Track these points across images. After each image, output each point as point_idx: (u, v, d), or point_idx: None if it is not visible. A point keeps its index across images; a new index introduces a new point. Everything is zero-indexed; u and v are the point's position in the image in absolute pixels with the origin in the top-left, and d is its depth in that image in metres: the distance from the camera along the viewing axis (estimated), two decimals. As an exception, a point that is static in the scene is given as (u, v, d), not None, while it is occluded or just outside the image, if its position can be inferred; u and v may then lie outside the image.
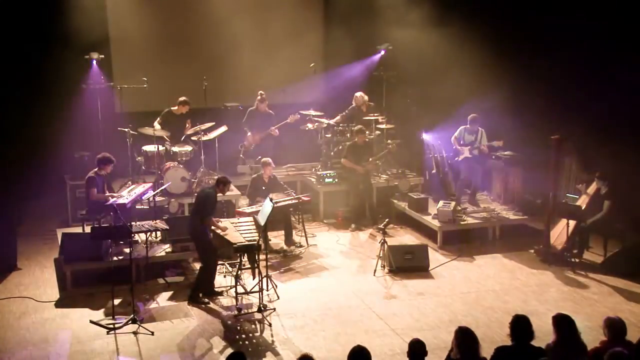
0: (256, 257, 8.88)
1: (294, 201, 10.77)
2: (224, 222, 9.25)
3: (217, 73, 12.93)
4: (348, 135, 12.50)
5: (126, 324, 8.19)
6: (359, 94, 12.76)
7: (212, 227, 9.01)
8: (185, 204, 11.09)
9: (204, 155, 11.71)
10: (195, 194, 9.83)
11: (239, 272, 8.99)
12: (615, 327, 5.96)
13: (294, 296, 9.15)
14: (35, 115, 11.65)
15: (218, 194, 9.16)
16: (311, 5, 14.17)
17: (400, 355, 7.37)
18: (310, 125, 12.69)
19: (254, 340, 8.00)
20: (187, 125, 11.80)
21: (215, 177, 9.85)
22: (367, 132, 12.10)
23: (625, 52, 11.00)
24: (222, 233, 8.94)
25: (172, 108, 11.81)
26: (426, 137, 12.41)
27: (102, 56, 12.02)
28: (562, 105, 11.66)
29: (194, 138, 11.79)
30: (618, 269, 9.69)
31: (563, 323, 5.87)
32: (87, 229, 9.77)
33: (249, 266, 9.28)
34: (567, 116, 11.32)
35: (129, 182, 10.71)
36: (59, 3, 11.80)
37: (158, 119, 11.61)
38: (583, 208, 10.08)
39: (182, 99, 11.75)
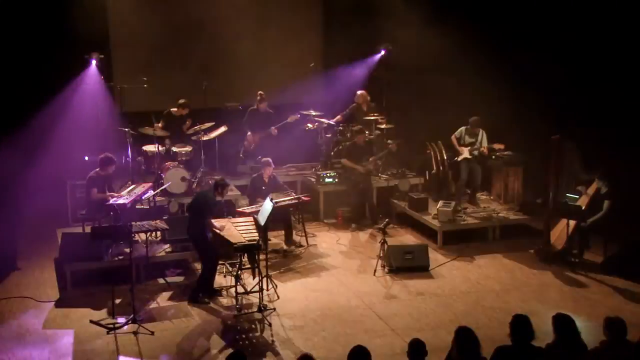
0: (256, 257, 8.90)
1: (294, 201, 10.76)
2: (223, 221, 9.24)
3: (217, 73, 12.93)
4: (348, 135, 12.50)
5: (126, 324, 8.20)
6: (360, 92, 12.76)
7: (212, 229, 9.00)
8: (185, 204, 11.08)
9: (204, 155, 11.72)
10: (195, 194, 9.84)
11: (239, 272, 9.00)
12: (615, 327, 5.96)
13: (294, 296, 9.15)
14: (35, 115, 11.64)
15: (217, 197, 9.16)
16: (311, 4, 14.16)
17: (400, 355, 7.36)
18: (310, 125, 12.69)
19: (254, 340, 8.00)
20: (187, 124, 11.82)
21: (216, 178, 9.84)
22: (367, 132, 12.11)
23: (626, 50, 11.01)
24: (221, 233, 8.94)
25: (172, 109, 11.83)
26: (426, 136, 12.44)
27: (102, 56, 12.03)
28: (563, 105, 11.67)
29: (193, 138, 11.79)
30: (618, 269, 9.69)
31: (563, 323, 5.87)
32: (87, 229, 9.79)
33: (249, 266, 9.29)
34: (568, 116, 11.32)
35: (129, 182, 10.70)
36: (60, 3, 11.79)
37: (160, 122, 11.66)
38: (583, 208, 10.08)
39: (181, 101, 11.78)
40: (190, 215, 9.25)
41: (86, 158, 11.36)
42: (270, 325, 8.28)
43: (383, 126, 12.62)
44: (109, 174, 10.07)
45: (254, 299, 8.75)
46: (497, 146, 11.53)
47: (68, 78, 11.85)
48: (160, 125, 11.67)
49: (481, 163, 11.79)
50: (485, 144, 11.56)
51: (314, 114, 12.68)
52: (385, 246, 9.96)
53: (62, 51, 11.66)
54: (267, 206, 9.06)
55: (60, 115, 11.74)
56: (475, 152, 11.59)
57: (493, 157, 11.91)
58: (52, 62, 11.64)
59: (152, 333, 8.06)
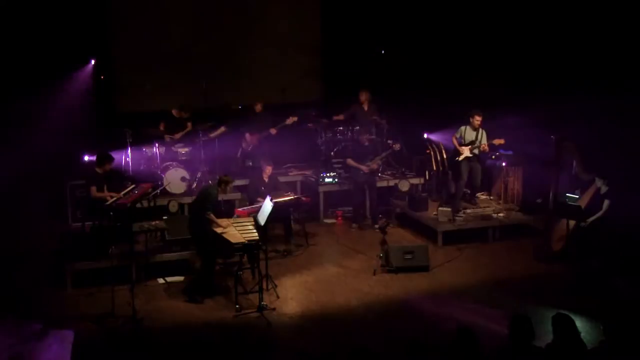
0: (256, 256, 8.89)
1: (293, 201, 10.74)
2: (224, 222, 9.23)
3: (217, 73, 12.91)
4: (348, 135, 12.50)
5: (126, 323, 8.19)
6: (362, 91, 12.72)
7: (213, 224, 8.99)
8: (185, 204, 11.09)
9: (204, 155, 11.72)
10: (198, 192, 9.84)
11: (239, 272, 8.99)
12: (614, 328, 5.95)
13: (294, 296, 9.14)
14: (35, 115, 11.64)
15: (220, 193, 9.18)
16: (310, 4, 14.15)
17: (400, 355, 7.35)
18: (310, 125, 12.68)
19: (253, 340, 8.00)
20: (188, 126, 11.82)
21: (217, 177, 9.85)
22: (369, 133, 12.11)
23: (626, 49, 11.00)
24: (221, 230, 8.94)
25: (172, 111, 11.82)
26: (427, 136, 12.43)
27: (102, 56, 12.02)
28: (563, 103, 11.65)
29: (194, 138, 11.79)
30: (618, 268, 9.68)
31: (563, 323, 5.87)
32: (87, 229, 9.79)
33: (248, 266, 9.29)
34: (568, 115, 11.29)
35: (129, 182, 10.69)
36: (60, 4, 11.78)
37: (161, 124, 11.68)
38: (583, 208, 10.07)
39: (181, 104, 11.77)
40: (193, 209, 9.23)
41: (86, 158, 11.34)
42: (269, 324, 8.28)
43: (383, 126, 12.62)
44: (107, 172, 10.03)
45: (254, 298, 8.75)
46: (497, 142, 11.51)
47: (67, 78, 11.83)
48: (162, 127, 11.70)
49: (481, 163, 11.78)
50: (485, 141, 11.55)
51: (314, 113, 12.67)
52: (386, 246, 9.95)
53: (61, 51, 11.64)
54: (267, 206, 9.07)
55: (59, 116, 11.71)
56: (476, 151, 11.58)
57: (493, 157, 11.90)
58: (51, 63, 11.62)
59: (152, 333, 8.05)
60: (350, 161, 11.89)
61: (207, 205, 8.97)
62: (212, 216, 8.99)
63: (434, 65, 12.74)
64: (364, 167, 11.73)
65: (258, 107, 12.34)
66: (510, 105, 11.99)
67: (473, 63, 12.23)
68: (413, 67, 13.03)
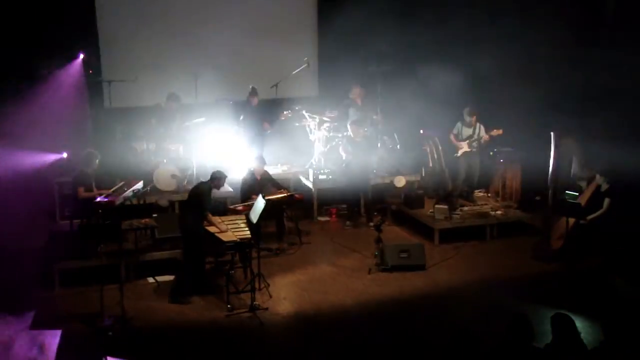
0: (248, 255, 8.72)
1: (286, 198, 10.53)
2: (217, 219, 9.06)
3: (208, 68, 12.72)
4: (345, 132, 12.31)
5: (115, 324, 8.02)
6: (355, 87, 12.53)
7: (211, 224, 8.86)
8: (175, 202, 10.91)
9: (196, 151, 11.51)
10: (190, 189, 9.65)
11: (231, 270, 8.83)
12: (614, 328, 5.84)
13: (287, 295, 8.98)
14: (25, 111, 11.44)
15: (213, 189, 9.07)
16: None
17: (396, 356, 7.22)
18: (304, 121, 12.48)
19: (245, 340, 7.85)
20: (178, 122, 11.62)
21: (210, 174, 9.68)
22: (364, 128, 11.93)
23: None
24: (217, 231, 8.78)
25: (161, 104, 11.64)
26: (423, 132, 12.31)
27: (91, 50, 11.85)
28: (563, 99, 11.55)
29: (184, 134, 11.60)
30: (617, 267, 9.54)
31: (563, 323, 5.74)
32: (75, 227, 9.62)
33: (240, 265, 9.13)
34: (568, 111, 11.18)
35: (118, 180, 10.49)
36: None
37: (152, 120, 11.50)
38: (583, 205, 9.91)
39: (170, 93, 11.54)
40: (184, 207, 9.07)
41: (64, 155, 11.06)
42: (262, 324, 8.11)
43: (378, 122, 12.46)
44: (95, 170, 9.84)
45: (246, 298, 8.57)
46: (495, 132, 11.35)
47: (55, 73, 11.65)
48: (153, 122, 11.50)
49: (480, 158, 11.63)
50: (483, 134, 11.39)
51: (307, 112, 12.47)
52: (380, 244, 9.78)
53: (50, 46, 11.45)
54: (259, 204, 8.95)
55: (49, 112, 11.51)
56: (475, 144, 11.41)
57: (492, 153, 11.78)
58: (39, 58, 11.44)
59: (142, 332, 7.92)
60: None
61: (204, 204, 8.82)
62: (211, 217, 8.85)
63: (432, 60, 12.58)
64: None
65: (254, 101, 12.06)
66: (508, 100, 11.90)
67: (470, 56, 12.09)
68: (410, 61, 12.88)
